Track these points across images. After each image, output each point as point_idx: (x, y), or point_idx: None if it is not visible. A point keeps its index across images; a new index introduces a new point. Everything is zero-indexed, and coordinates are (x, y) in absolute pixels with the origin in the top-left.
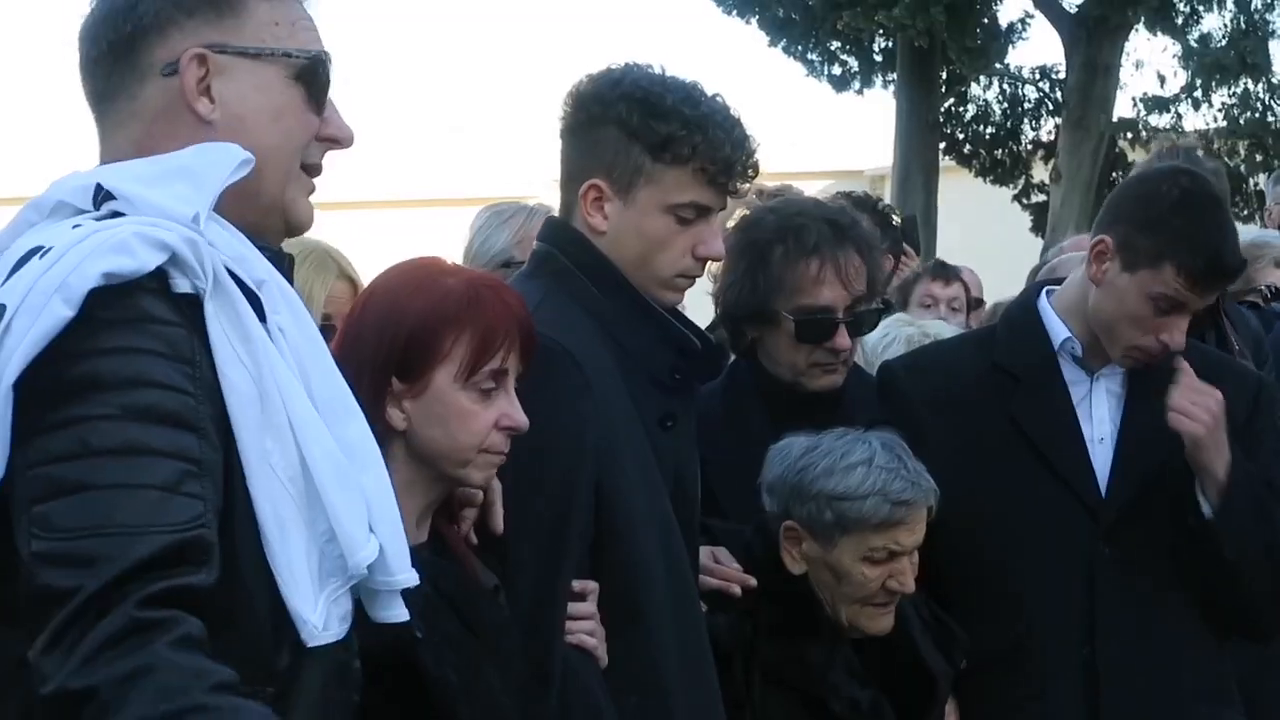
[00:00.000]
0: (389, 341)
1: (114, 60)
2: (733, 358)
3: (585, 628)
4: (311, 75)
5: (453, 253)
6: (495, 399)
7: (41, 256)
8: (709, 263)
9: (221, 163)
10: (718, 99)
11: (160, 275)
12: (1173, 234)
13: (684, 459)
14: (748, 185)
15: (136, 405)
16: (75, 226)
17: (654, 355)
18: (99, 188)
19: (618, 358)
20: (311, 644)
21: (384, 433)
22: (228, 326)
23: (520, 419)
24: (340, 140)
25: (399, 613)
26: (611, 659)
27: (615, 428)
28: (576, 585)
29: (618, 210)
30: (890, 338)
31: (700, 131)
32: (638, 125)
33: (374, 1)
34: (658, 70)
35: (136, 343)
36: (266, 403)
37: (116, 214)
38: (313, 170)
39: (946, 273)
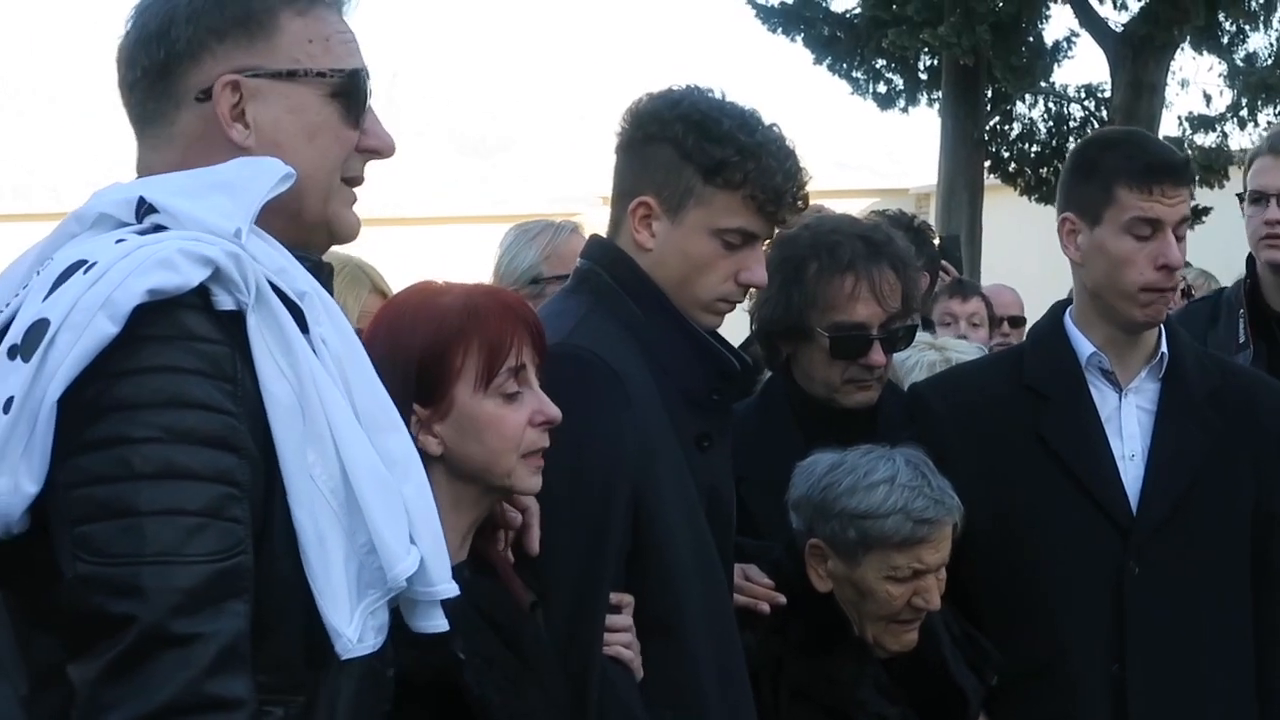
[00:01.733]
0: (401, 373)
1: (149, 86)
2: (769, 374)
3: (622, 640)
4: (347, 91)
5: (486, 270)
6: (522, 399)
7: (85, 271)
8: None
9: (262, 177)
10: (775, 128)
11: (203, 292)
12: (1108, 165)
13: (719, 479)
14: (796, 216)
15: (178, 427)
16: (119, 241)
17: (692, 375)
18: (141, 200)
19: (656, 376)
20: (345, 657)
21: (422, 461)
22: (270, 340)
23: (552, 410)
24: (381, 151)
25: (439, 623)
26: (647, 673)
27: (653, 443)
28: (613, 598)
29: (665, 229)
30: (913, 362)
31: (754, 159)
32: (692, 147)
33: (420, 14)
34: (718, 94)
35: (179, 361)
36: (308, 414)
37: (159, 227)
38: (353, 182)
39: (964, 289)
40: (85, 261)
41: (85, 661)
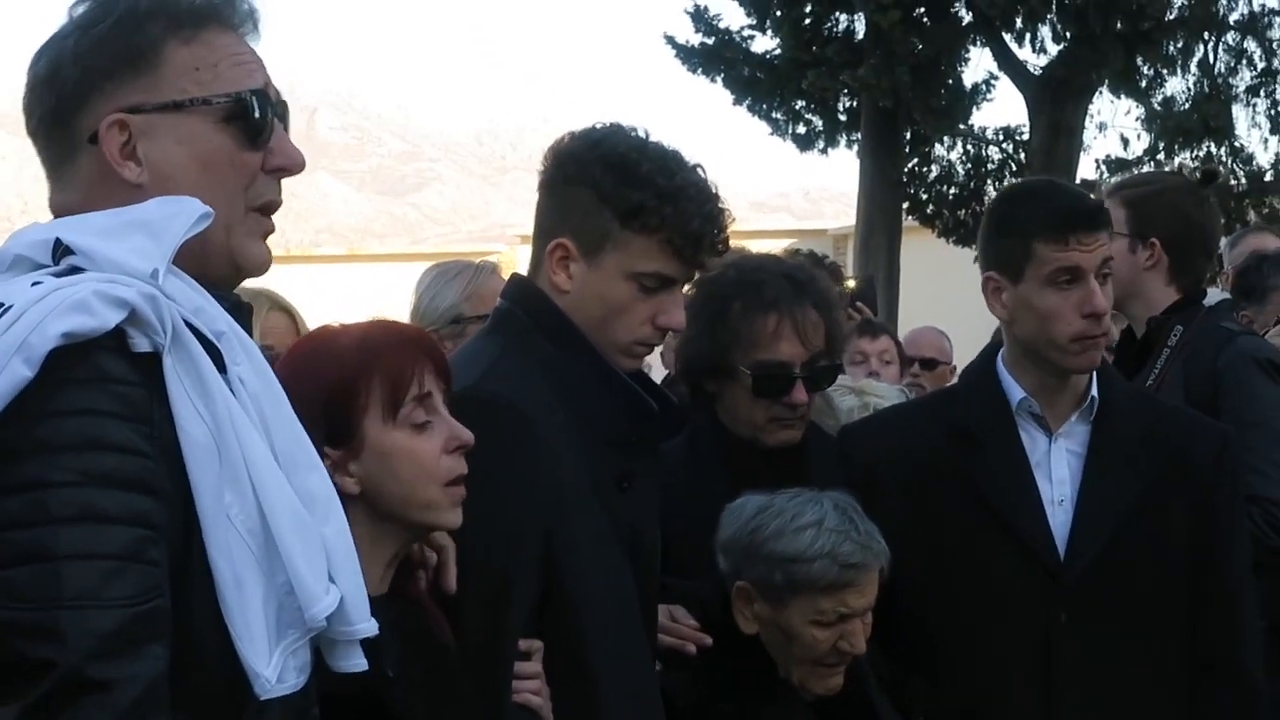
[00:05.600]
0: (307, 417)
1: (47, 133)
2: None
3: (531, 686)
4: (242, 115)
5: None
6: (432, 428)
7: (1, 315)
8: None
9: (181, 216)
10: (697, 171)
11: (119, 333)
12: (1022, 221)
13: (643, 519)
14: (716, 260)
15: (95, 470)
16: (35, 284)
17: (611, 416)
18: (58, 242)
19: (574, 417)
20: (264, 697)
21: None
22: (186, 381)
23: (465, 434)
24: (289, 168)
25: (358, 662)
26: (560, 718)
27: (566, 488)
28: (522, 644)
29: (582, 271)
30: (846, 408)
31: (671, 203)
32: (610, 190)
33: (340, 53)
34: (640, 135)
35: (96, 404)
36: (226, 456)
37: (76, 269)
38: (267, 208)
39: (874, 328)
40: (1, 304)
41: (4, 707)
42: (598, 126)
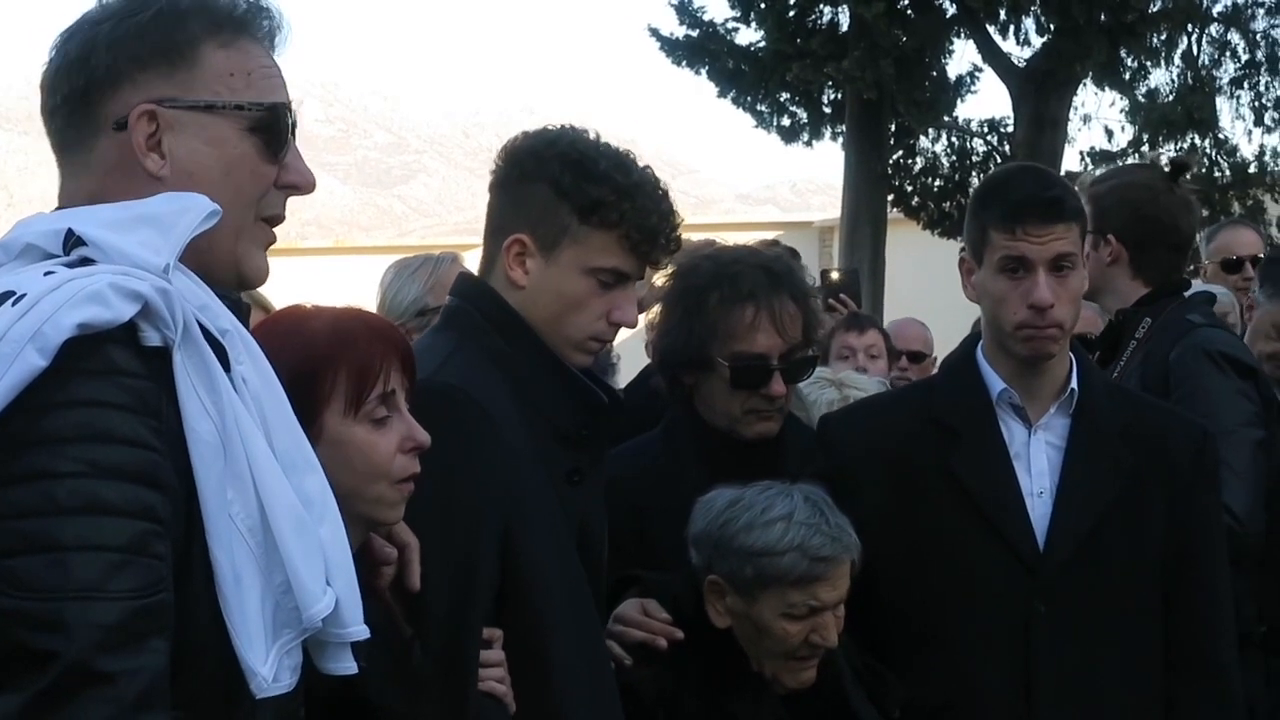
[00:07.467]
0: None
1: (69, 113)
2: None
3: (494, 675)
4: (267, 126)
5: None
6: (391, 424)
7: (14, 303)
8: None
9: (190, 212)
10: (648, 170)
11: (130, 327)
12: (985, 206)
13: (590, 513)
14: (669, 258)
15: (103, 462)
16: (48, 273)
17: (561, 410)
18: (70, 232)
19: (525, 412)
20: (260, 696)
21: None
22: (194, 377)
23: (422, 435)
24: (300, 187)
25: (348, 665)
26: (520, 707)
27: (521, 479)
28: (484, 633)
29: (539, 267)
30: (811, 400)
31: (630, 199)
32: (569, 186)
33: (324, 44)
34: (593, 135)
35: (105, 396)
36: (230, 453)
37: (87, 260)
38: (273, 220)
39: (860, 322)
40: (13, 293)
41: (8, 695)
42: (549, 127)
